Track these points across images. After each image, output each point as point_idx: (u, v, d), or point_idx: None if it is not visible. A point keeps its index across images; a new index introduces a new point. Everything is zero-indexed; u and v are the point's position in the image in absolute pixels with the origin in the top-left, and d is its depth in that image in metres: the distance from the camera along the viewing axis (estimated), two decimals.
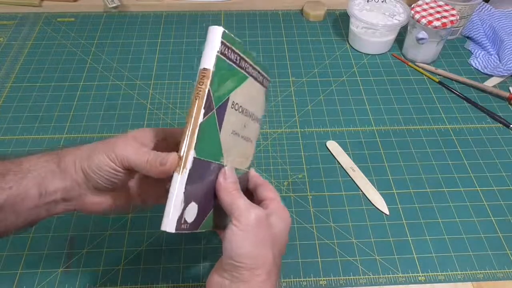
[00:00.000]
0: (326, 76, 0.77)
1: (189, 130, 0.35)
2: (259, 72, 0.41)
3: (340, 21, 0.89)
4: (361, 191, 0.60)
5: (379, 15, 0.82)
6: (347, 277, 0.52)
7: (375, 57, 0.81)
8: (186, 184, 0.35)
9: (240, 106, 0.39)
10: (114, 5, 0.87)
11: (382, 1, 0.82)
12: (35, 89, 0.73)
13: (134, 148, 0.38)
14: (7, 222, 0.37)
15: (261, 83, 0.42)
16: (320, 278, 0.51)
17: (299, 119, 0.70)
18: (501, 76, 0.77)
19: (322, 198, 0.59)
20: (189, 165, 0.34)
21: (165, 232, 0.33)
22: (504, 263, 0.53)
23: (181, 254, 0.53)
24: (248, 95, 0.40)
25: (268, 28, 0.87)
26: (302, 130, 0.68)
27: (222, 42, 0.35)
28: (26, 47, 0.81)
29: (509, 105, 0.72)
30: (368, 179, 0.61)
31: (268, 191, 0.42)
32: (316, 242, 0.55)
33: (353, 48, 0.83)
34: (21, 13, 0.89)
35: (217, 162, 0.38)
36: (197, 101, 0.35)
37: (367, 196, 0.59)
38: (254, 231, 0.36)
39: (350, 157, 0.64)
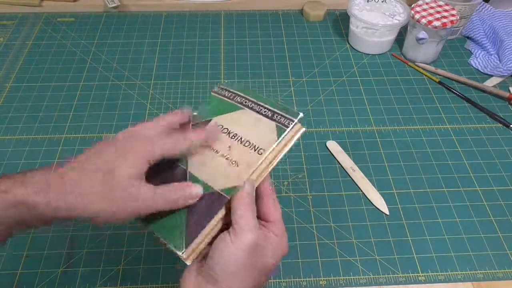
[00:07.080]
0: (326, 76, 0.77)
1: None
2: (264, 107, 0.43)
3: (340, 21, 0.89)
4: (361, 191, 0.60)
5: (379, 15, 0.82)
6: (347, 277, 0.52)
7: (375, 57, 0.81)
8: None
9: (226, 128, 0.42)
10: (114, 5, 0.87)
11: (382, 1, 0.82)
12: (35, 89, 0.73)
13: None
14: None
15: (268, 117, 0.43)
16: (320, 278, 0.51)
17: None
18: (501, 76, 0.77)
19: (322, 198, 0.59)
20: None
21: None
22: (504, 263, 0.53)
23: None
24: (239, 121, 0.43)
25: (268, 28, 0.87)
26: None
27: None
28: (26, 47, 0.81)
29: (509, 105, 0.72)
30: (368, 179, 0.61)
31: (271, 208, 0.38)
32: (316, 242, 0.55)
33: (353, 48, 0.83)
34: (21, 13, 0.89)
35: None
36: None
37: (367, 196, 0.59)
38: (247, 253, 0.34)
39: (350, 157, 0.64)
